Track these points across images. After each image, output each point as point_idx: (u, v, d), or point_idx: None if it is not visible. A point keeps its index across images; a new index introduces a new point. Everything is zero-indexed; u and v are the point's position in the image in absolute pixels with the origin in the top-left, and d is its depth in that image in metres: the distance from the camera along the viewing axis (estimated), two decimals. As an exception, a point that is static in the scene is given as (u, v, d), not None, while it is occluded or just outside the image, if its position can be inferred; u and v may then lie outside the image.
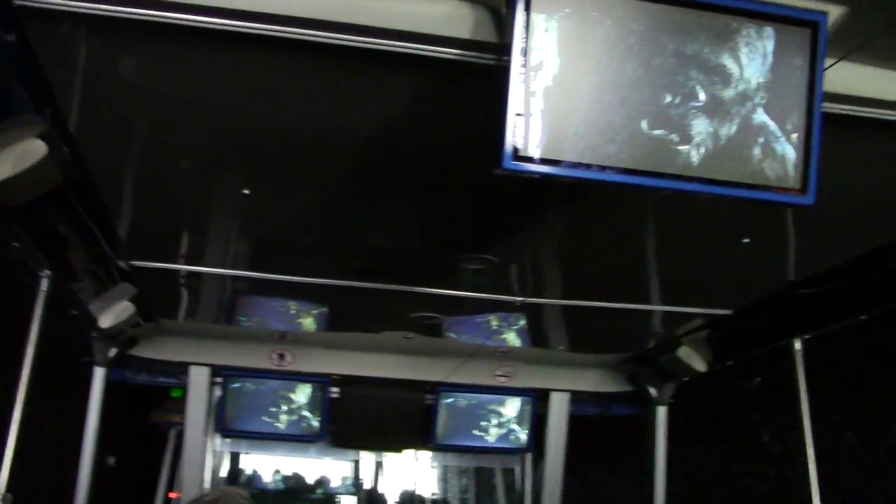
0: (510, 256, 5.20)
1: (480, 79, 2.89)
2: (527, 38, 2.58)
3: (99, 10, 2.75)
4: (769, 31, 2.77)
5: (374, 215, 4.69)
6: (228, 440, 9.52)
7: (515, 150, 2.58)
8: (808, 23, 2.78)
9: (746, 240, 4.68)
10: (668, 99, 2.72)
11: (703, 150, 2.77)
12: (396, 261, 5.46)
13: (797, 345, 6.29)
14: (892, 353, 6.70)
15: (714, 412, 9.36)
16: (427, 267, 5.52)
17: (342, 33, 2.84)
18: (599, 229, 4.69)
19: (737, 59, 2.75)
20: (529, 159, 2.60)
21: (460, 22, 2.85)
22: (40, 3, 2.75)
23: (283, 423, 8.38)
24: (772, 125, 2.81)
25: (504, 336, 7.29)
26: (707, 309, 6.24)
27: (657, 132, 2.72)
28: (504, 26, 2.73)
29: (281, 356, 8.07)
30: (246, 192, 4.29)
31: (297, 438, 8.61)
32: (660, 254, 5.10)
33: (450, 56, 2.91)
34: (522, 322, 6.90)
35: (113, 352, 7.37)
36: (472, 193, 4.21)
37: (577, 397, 8.78)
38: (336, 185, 4.24)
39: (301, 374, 8.24)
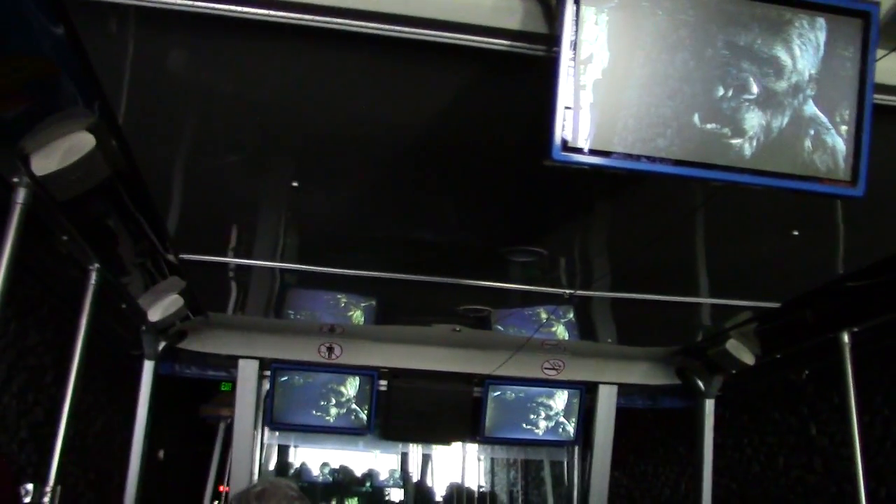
0: (558, 249, 5.21)
1: (529, 70, 2.91)
2: (577, 29, 2.61)
3: (147, 2, 2.78)
4: (820, 21, 2.77)
5: (421, 208, 4.72)
6: (277, 433, 9.58)
7: (564, 141, 2.60)
8: (859, 13, 2.78)
9: (796, 232, 4.66)
10: (720, 91, 2.74)
11: (753, 142, 2.79)
12: (444, 253, 5.47)
13: (845, 337, 6.26)
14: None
15: (762, 405, 9.32)
16: (475, 259, 5.54)
17: (390, 24, 2.86)
18: (647, 222, 4.69)
19: (788, 51, 2.76)
20: (579, 150, 2.63)
21: (509, 13, 2.86)
22: None
23: (331, 416, 8.43)
24: (822, 117, 2.82)
25: (552, 329, 7.29)
26: (755, 302, 6.22)
27: (708, 125, 2.74)
28: (553, 17, 2.75)
29: (329, 349, 8.11)
30: (295, 184, 4.32)
31: (345, 431, 8.65)
32: (708, 246, 5.10)
33: (498, 47, 2.93)
34: (570, 315, 6.89)
35: (162, 345, 7.47)
36: (520, 186, 4.23)
37: (624, 390, 8.77)
38: (383, 178, 4.27)
39: (349, 366, 8.28)
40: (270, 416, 8.35)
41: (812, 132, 2.82)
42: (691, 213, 4.46)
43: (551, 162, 2.62)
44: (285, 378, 8.29)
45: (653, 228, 4.75)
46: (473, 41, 2.93)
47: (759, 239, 4.90)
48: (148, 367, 7.47)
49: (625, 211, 4.59)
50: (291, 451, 17.26)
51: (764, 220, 4.57)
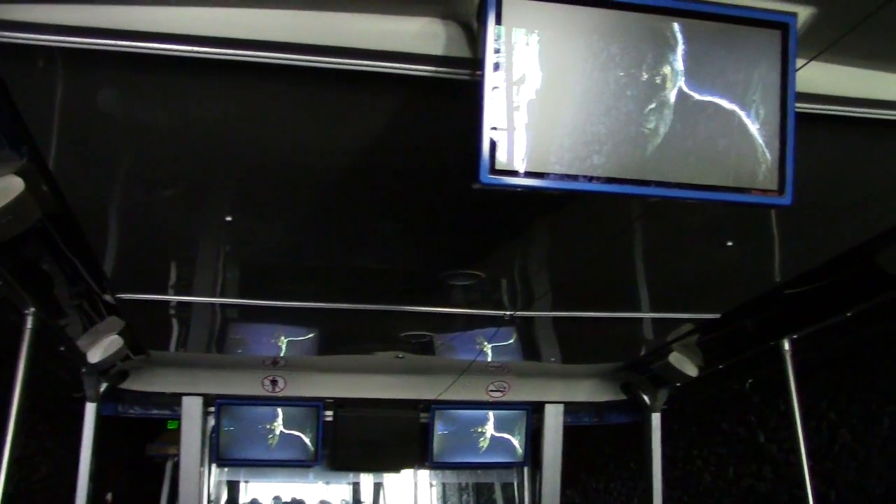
0: (497, 271, 5.20)
1: (457, 95, 2.90)
2: (499, 52, 2.60)
3: (73, 43, 2.75)
4: (742, 34, 2.79)
5: (359, 236, 4.69)
6: (226, 469, 9.48)
7: (492, 163, 2.59)
8: (777, 24, 2.81)
9: (730, 243, 4.70)
10: (650, 106, 2.74)
11: (684, 157, 2.79)
12: (384, 281, 5.46)
13: (786, 345, 6.32)
14: (881, 349, 6.72)
15: (710, 416, 9.37)
16: (414, 285, 5.52)
17: (317, 55, 2.85)
18: (584, 240, 4.70)
19: (713, 65, 2.77)
20: (508, 172, 2.62)
21: (433, 39, 2.86)
22: (11, 38, 2.73)
23: (278, 448, 8.38)
24: (748, 128, 2.83)
25: (495, 351, 7.28)
26: (696, 314, 6.26)
27: (640, 141, 2.74)
28: (476, 42, 2.75)
29: (273, 382, 8.06)
30: (228, 219, 4.28)
31: (292, 464, 8.61)
32: (646, 261, 5.12)
33: (424, 73, 2.92)
34: (513, 336, 6.90)
35: (104, 386, 7.36)
36: (455, 210, 4.22)
37: (571, 408, 8.79)
38: (318, 208, 4.25)
39: (294, 398, 8.23)
40: (216, 452, 8.27)
41: (739, 144, 2.83)
42: (626, 229, 4.47)
43: (480, 185, 2.61)
44: (230, 413, 8.21)
45: (590, 245, 4.76)
46: (399, 68, 2.92)
47: (695, 251, 4.92)
48: (90, 409, 7.35)
49: (561, 229, 4.59)
50: (242, 486, 17.07)
51: (698, 232, 4.59)
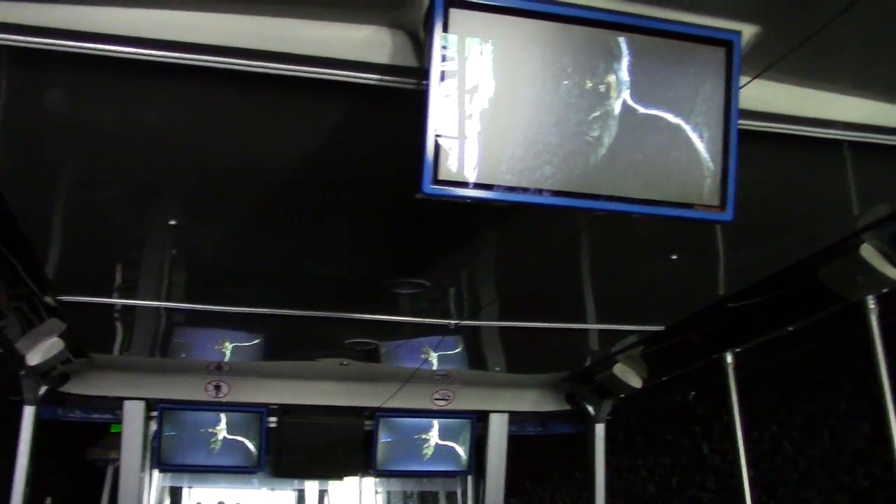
0: (443, 280, 5.20)
1: (403, 103, 2.90)
2: (444, 61, 2.59)
3: (16, 41, 2.70)
4: (687, 51, 2.81)
5: (305, 242, 4.67)
6: (170, 475, 9.38)
7: (436, 173, 2.58)
8: (722, 42, 2.83)
9: (675, 256, 4.73)
10: (596, 120, 2.75)
11: (629, 170, 2.81)
12: (330, 288, 5.44)
13: (728, 358, 6.37)
14: (822, 363, 6.79)
15: (655, 427, 9.43)
16: (360, 293, 5.51)
17: (264, 61, 2.83)
18: (531, 250, 4.71)
19: (659, 80, 2.79)
20: (451, 183, 2.61)
21: (380, 47, 2.86)
22: None
23: (221, 454, 8.30)
24: (693, 144, 2.85)
25: (441, 359, 7.29)
26: (640, 326, 6.30)
27: (586, 154, 2.75)
28: (423, 51, 2.74)
29: (217, 387, 7.99)
30: (173, 222, 4.24)
31: (235, 470, 8.52)
32: (592, 272, 5.14)
33: (370, 81, 2.92)
34: (459, 345, 6.90)
35: (43, 389, 7.22)
36: (402, 218, 4.21)
37: (515, 417, 8.78)
38: (265, 214, 4.22)
39: (238, 404, 8.17)
40: (158, 458, 8.18)
41: (684, 159, 2.85)
42: (573, 240, 4.49)
43: (422, 195, 2.60)
44: (173, 418, 8.12)
45: (536, 256, 4.77)
46: (346, 76, 2.91)
47: (640, 263, 4.96)
48: (28, 412, 7.21)
49: (508, 239, 4.60)
50: (186, 491, 16.91)
51: (643, 244, 4.62)
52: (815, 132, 3.34)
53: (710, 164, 2.87)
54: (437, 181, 2.59)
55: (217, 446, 8.28)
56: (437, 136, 2.59)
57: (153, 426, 8.16)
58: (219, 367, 7.69)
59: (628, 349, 6.97)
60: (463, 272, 5.20)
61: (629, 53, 2.76)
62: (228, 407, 8.19)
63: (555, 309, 5.92)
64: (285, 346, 7.14)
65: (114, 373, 7.79)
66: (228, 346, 7.00)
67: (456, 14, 2.60)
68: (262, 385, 8.11)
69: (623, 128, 2.78)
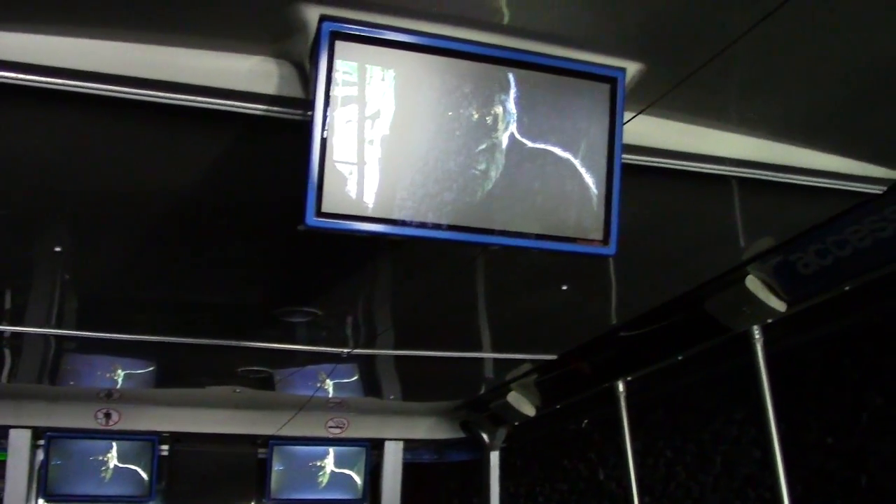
0: (334, 308, 5.18)
1: (289, 134, 2.87)
2: (330, 93, 2.58)
3: None
4: (573, 86, 2.83)
5: (194, 270, 4.61)
6: (57, 504, 9.18)
7: (319, 205, 2.56)
8: (606, 79, 2.86)
9: (565, 287, 4.76)
10: (482, 155, 2.75)
11: (516, 204, 2.81)
12: (221, 315, 5.38)
13: (620, 386, 6.44)
14: (714, 390, 6.90)
15: (552, 453, 9.47)
16: (251, 321, 5.45)
17: (149, 89, 2.78)
18: (424, 279, 4.71)
19: (546, 115, 2.80)
20: (334, 216, 2.59)
21: (266, 77, 2.83)
22: None
23: (111, 483, 8.13)
24: (578, 178, 2.87)
25: (336, 387, 7.25)
26: (533, 355, 6.33)
27: (472, 188, 2.75)
28: (310, 82, 2.73)
29: (107, 415, 7.83)
30: (58, 249, 4.15)
31: (127, 499, 8.31)
32: (486, 301, 5.16)
33: (257, 111, 2.88)
34: (353, 372, 6.88)
35: None
36: (291, 247, 4.17)
37: (411, 445, 8.79)
38: (154, 241, 4.15)
39: (129, 432, 8.02)
40: (44, 488, 7.98)
41: (568, 194, 2.87)
42: (465, 268, 4.49)
43: (305, 227, 2.58)
44: (61, 447, 7.94)
45: (429, 284, 4.77)
46: (231, 106, 2.87)
47: (532, 293, 4.99)
48: None
49: (399, 268, 4.60)
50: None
51: (534, 275, 4.65)
52: (700, 167, 3.39)
53: (594, 199, 2.89)
54: (320, 213, 2.56)
55: (107, 475, 8.12)
56: (321, 167, 2.57)
57: (40, 455, 7.96)
58: (109, 395, 7.54)
59: (522, 377, 7.00)
60: (355, 300, 5.18)
61: (517, 88, 2.77)
62: (119, 435, 8.03)
63: (449, 337, 5.93)
64: (177, 373, 7.03)
65: None
66: (119, 374, 6.87)
67: (342, 46, 2.58)
68: (154, 412, 7.98)
69: (510, 162, 2.79)
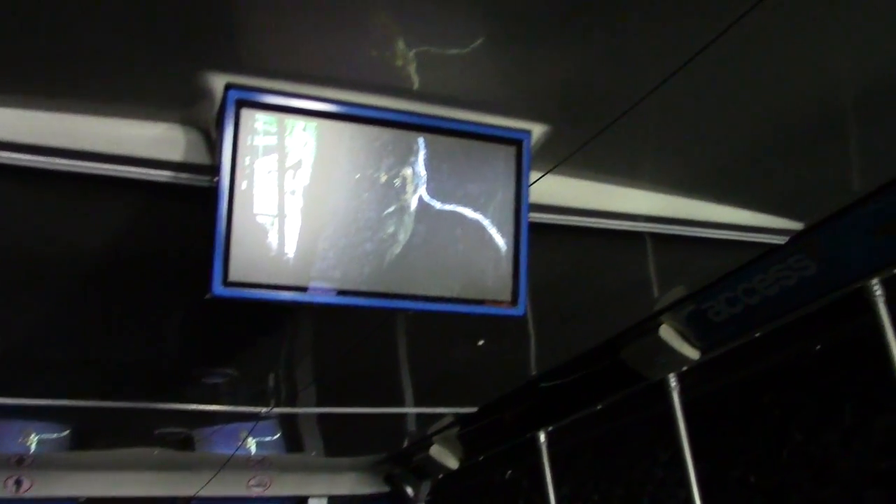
0: (252, 368, 5.14)
1: (196, 200, 2.86)
2: (235, 160, 2.57)
3: None
4: (481, 149, 2.86)
5: (106, 332, 4.55)
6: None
7: (226, 275, 2.55)
8: (512, 141, 2.89)
9: (481, 341, 4.78)
10: (390, 220, 2.76)
11: (423, 268, 2.83)
12: (137, 377, 5.29)
13: (542, 436, 6.45)
14: (640, 433, 6.95)
15: (480, 502, 9.44)
16: (168, 382, 5.38)
17: (55, 157, 2.75)
18: (341, 338, 4.70)
19: (455, 178, 2.83)
20: (241, 284, 2.57)
21: (172, 145, 2.81)
22: None
23: (23, 554, 7.91)
24: (486, 240, 2.90)
25: (257, 444, 7.16)
26: (454, 408, 6.33)
27: (380, 253, 2.75)
28: (215, 149, 2.72)
29: (18, 483, 7.61)
30: None
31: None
32: (406, 356, 5.16)
33: (163, 179, 2.86)
34: (275, 430, 6.81)
35: None
36: (204, 309, 4.12)
37: (335, 501, 8.69)
38: (64, 304, 4.09)
39: (42, 500, 7.79)
40: None
41: (476, 255, 2.89)
42: (383, 324, 4.49)
43: (212, 296, 2.56)
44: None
45: (346, 344, 4.76)
46: (137, 173, 2.84)
47: (450, 348, 4.99)
48: None
49: (314, 327, 4.59)
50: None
51: (452, 330, 4.66)
52: (609, 224, 3.44)
53: (503, 261, 2.91)
54: (227, 283, 2.55)
55: None
56: (227, 236, 2.55)
57: None
58: (20, 461, 7.31)
59: (444, 430, 6.99)
60: (274, 360, 5.15)
61: (425, 152, 2.79)
62: (32, 503, 7.83)
63: (370, 392, 5.91)
64: (93, 436, 6.88)
65: None
66: (32, 438, 6.70)
67: (246, 113, 2.58)
68: (69, 477, 7.76)
69: (419, 225, 2.80)
